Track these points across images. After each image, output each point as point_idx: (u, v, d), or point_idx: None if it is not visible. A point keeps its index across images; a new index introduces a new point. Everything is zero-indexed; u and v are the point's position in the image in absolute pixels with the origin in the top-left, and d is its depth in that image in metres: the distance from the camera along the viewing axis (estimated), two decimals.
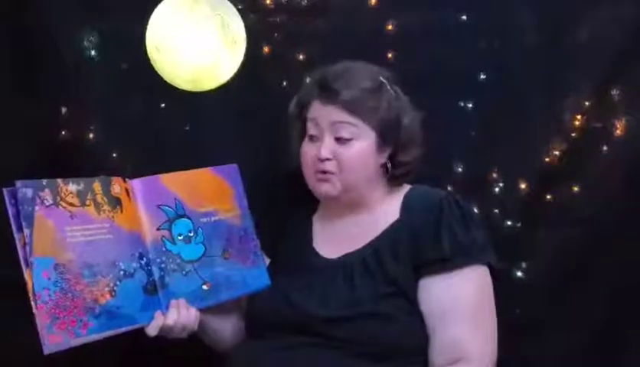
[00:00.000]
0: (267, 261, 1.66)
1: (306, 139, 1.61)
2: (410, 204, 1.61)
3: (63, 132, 1.91)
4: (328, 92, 1.57)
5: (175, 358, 1.84)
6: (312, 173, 1.60)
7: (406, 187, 1.65)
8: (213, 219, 1.55)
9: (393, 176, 1.62)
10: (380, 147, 1.58)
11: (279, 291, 1.58)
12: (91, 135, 1.90)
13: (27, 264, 1.33)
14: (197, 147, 1.90)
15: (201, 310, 1.52)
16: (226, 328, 1.67)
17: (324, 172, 1.58)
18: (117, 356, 1.88)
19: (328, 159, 1.56)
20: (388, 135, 1.58)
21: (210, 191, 1.57)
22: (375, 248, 1.57)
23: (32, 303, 1.32)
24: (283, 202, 1.75)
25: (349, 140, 1.56)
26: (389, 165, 1.60)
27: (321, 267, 1.60)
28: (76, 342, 1.35)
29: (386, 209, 1.61)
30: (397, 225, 1.59)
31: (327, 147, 1.56)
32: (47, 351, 1.32)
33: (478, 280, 1.54)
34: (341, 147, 1.56)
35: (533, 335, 1.89)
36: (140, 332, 1.45)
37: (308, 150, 1.60)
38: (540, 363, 1.90)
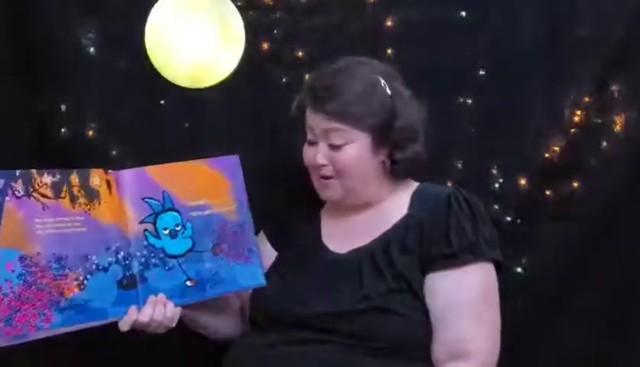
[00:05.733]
0: (273, 255, 1.65)
1: (306, 142, 1.61)
2: (419, 200, 1.60)
3: (62, 129, 1.89)
4: (316, 101, 1.56)
5: (176, 356, 1.84)
6: (315, 177, 1.61)
7: (415, 184, 1.65)
8: (205, 212, 1.51)
9: (393, 173, 1.61)
10: (376, 147, 1.57)
11: (287, 285, 1.57)
12: (91, 132, 1.89)
13: None
14: (196, 144, 1.88)
15: (187, 306, 1.49)
16: (218, 324, 1.65)
17: (325, 177, 1.58)
18: (117, 355, 1.87)
19: (324, 165, 1.57)
20: (383, 135, 1.56)
21: (204, 184, 1.52)
22: (383, 243, 1.55)
23: None
24: (290, 197, 1.75)
25: (341, 145, 1.55)
26: (387, 163, 1.59)
27: (329, 262, 1.58)
28: (36, 335, 1.32)
29: (395, 205, 1.60)
30: (405, 220, 1.58)
31: (322, 153, 1.57)
32: (2, 343, 1.29)
33: (483, 277, 1.53)
34: (335, 152, 1.56)
35: (533, 330, 1.88)
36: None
37: (307, 153, 1.61)
38: (540, 358, 1.88)
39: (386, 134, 1.56)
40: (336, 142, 1.56)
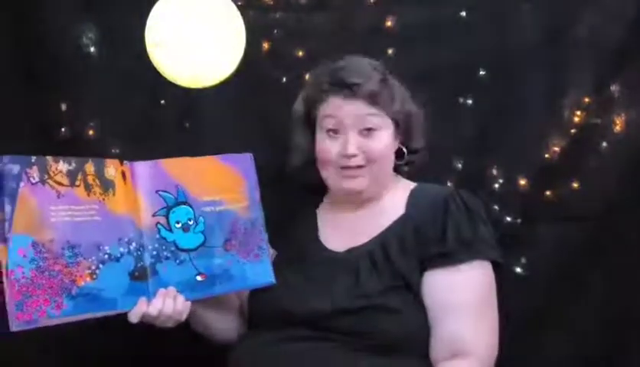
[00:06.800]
0: (273, 253, 1.66)
1: (323, 135, 1.59)
2: (416, 200, 1.59)
3: (63, 129, 1.88)
4: (347, 88, 1.55)
5: (178, 357, 1.83)
6: (336, 170, 1.58)
7: (412, 184, 1.65)
8: (217, 208, 1.50)
9: (405, 163, 1.63)
10: (395, 137, 1.60)
11: (285, 284, 1.55)
12: (91, 132, 1.89)
13: (3, 240, 1.28)
14: (197, 144, 1.88)
15: (195, 302, 1.48)
16: (220, 323, 1.64)
17: (353, 167, 1.57)
18: (117, 355, 1.87)
19: (354, 155, 1.55)
20: (401, 124, 1.59)
21: (218, 180, 1.51)
22: (382, 242, 1.55)
23: (4, 278, 1.27)
24: (288, 196, 1.75)
25: (375, 131, 1.56)
26: (404, 150, 1.61)
27: (327, 261, 1.57)
28: (47, 322, 1.30)
29: (392, 204, 1.60)
30: (403, 219, 1.57)
31: (353, 143, 1.55)
32: (14, 328, 1.27)
33: (480, 276, 1.52)
34: (367, 139, 1.55)
35: (533, 330, 1.87)
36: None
37: (329, 147, 1.58)
38: (540, 358, 1.88)
39: (403, 123, 1.60)
40: (372, 126, 1.55)
